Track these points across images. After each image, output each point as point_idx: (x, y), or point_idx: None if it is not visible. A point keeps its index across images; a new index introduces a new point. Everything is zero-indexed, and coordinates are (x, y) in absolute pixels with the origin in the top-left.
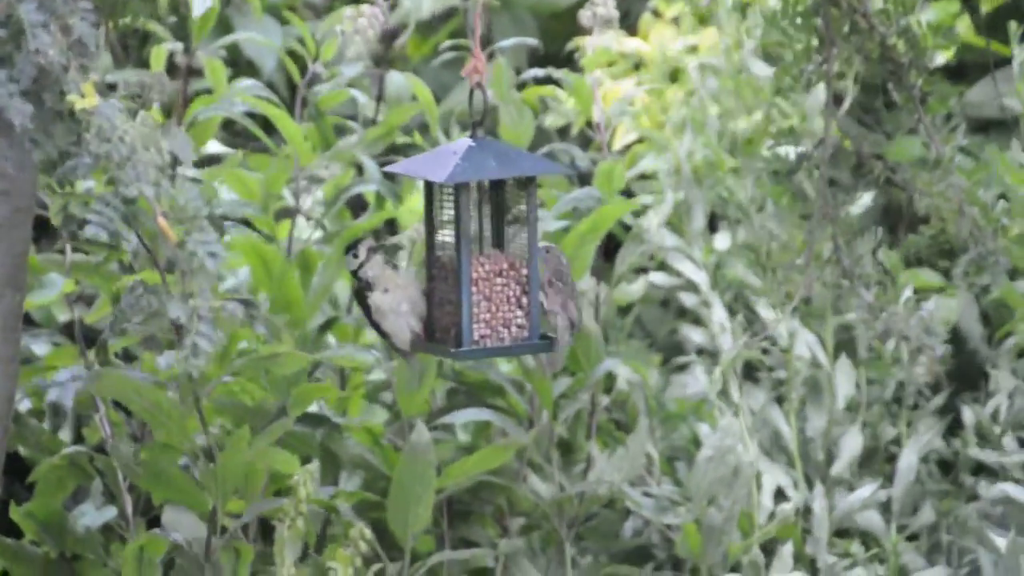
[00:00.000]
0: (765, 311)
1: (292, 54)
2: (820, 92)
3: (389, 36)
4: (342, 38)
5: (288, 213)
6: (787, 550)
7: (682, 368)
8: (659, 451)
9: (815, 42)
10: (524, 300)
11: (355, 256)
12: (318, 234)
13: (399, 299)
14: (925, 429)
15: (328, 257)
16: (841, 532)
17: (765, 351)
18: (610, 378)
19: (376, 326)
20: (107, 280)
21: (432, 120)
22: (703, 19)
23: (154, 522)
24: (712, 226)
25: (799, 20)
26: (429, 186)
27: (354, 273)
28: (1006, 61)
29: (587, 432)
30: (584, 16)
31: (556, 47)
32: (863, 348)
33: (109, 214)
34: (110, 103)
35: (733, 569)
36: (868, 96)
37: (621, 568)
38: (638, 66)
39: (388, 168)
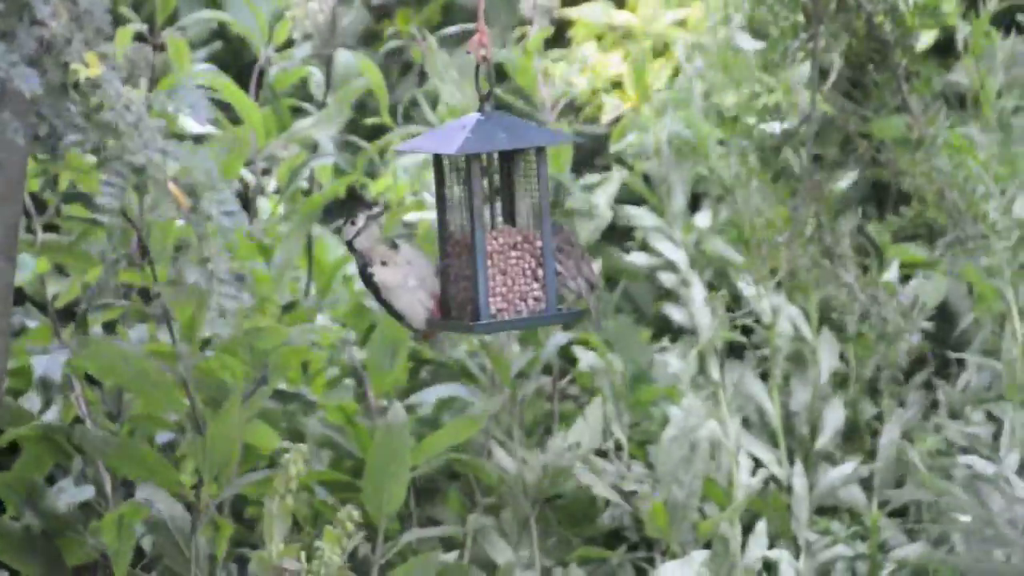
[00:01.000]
0: (747, 287)
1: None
2: (806, 68)
3: (380, 12)
4: (293, 22)
5: (247, 194)
6: (761, 527)
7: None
8: (628, 436)
9: (801, 19)
10: (540, 272)
11: (352, 223)
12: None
13: (405, 273)
14: (909, 405)
15: (286, 235)
16: (825, 509)
17: (748, 328)
18: (572, 358)
19: (388, 306)
20: (79, 259)
21: (381, 99)
22: None
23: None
24: (694, 205)
25: None
26: (439, 163)
27: (349, 244)
28: None
29: (551, 414)
30: (526, 7)
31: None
32: (850, 323)
33: (120, 183)
34: (113, 72)
35: (707, 546)
36: (856, 72)
37: (593, 550)
38: (625, 38)
39: (399, 147)
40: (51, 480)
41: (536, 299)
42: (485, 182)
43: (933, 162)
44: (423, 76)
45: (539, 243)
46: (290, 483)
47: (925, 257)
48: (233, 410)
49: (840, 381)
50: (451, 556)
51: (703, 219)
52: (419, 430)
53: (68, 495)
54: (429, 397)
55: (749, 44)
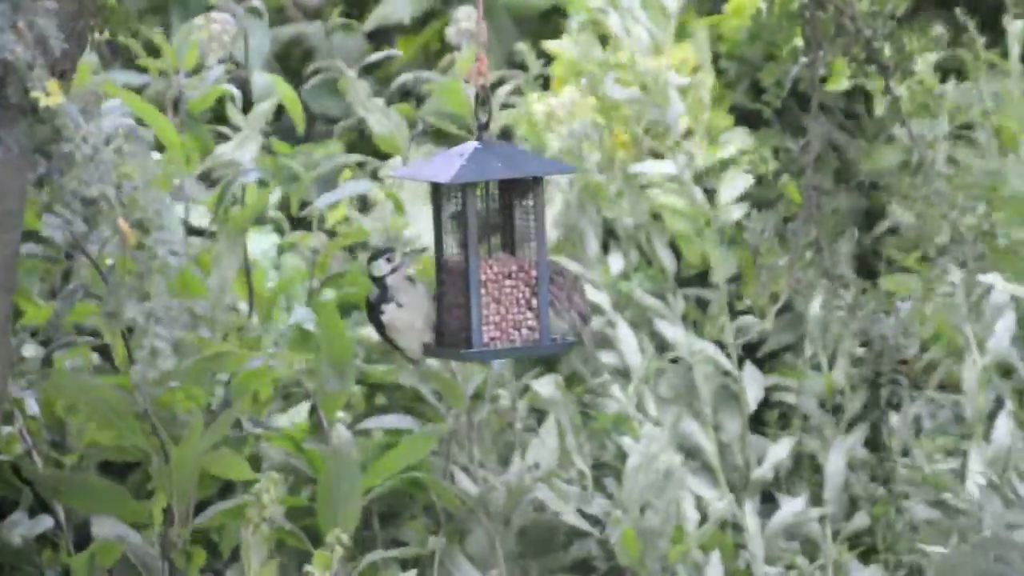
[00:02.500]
0: (666, 328)
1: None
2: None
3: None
4: (201, 45)
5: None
6: (715, 557)
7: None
8: (588, 467)
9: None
10: (534, 302)
11: (388, 260)
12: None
13: (414, 316)
14: (852, 433)
15: (217, 253)
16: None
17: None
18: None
19: (389, 340)
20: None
21: (296, 120)
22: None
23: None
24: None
25: (784, 22)
26: (436, 190)
27: (378, 280)
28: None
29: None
30: (450, 33)
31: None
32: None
33: (69, 215)
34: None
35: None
36: (851, 101)
37: None
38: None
39: (393, 173)
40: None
41: (530, 328)
42: (480, 211)
43: (933, 185)
44: (420, 101)
45: (534, 272)
46: (264, 511)
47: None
48: (196, 438)
49: (774, 415)
50: None
51: (615, 263)
52: (375, 453)
53: (23, 527)
54: (380, 424)
55: (620, 94)
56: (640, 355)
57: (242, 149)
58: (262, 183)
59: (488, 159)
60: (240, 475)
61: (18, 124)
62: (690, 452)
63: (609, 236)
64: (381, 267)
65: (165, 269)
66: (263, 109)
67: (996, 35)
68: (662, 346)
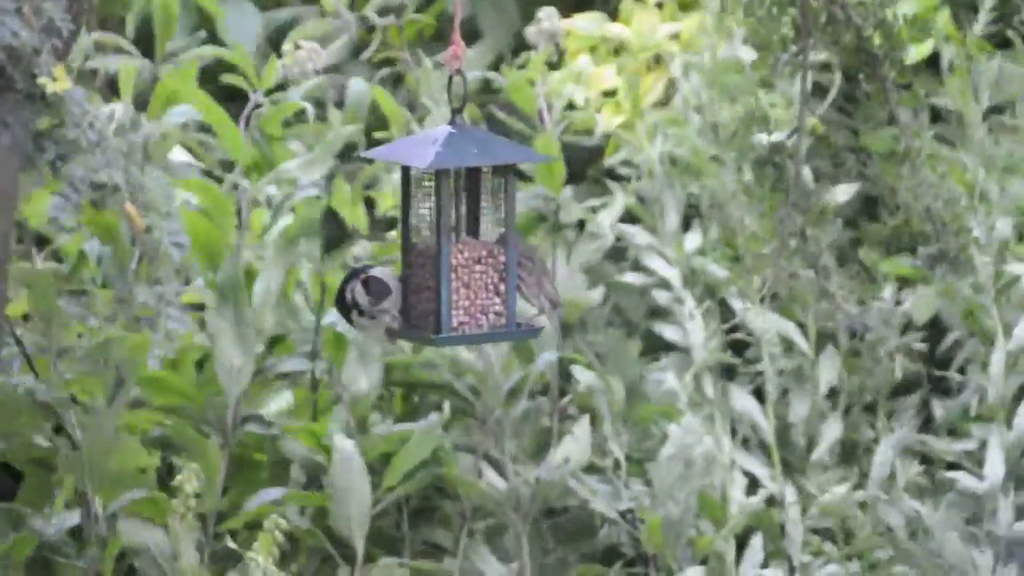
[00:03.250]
0: (739, 304)
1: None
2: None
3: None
4: (282, 72)
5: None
6: (757, 543)
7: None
8: (626, 453)
9: (791, 32)
10: (502, 287)
11: (366, 291)
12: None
13: (384, 317)
14: (903, 423)
15: (268, 265)
16: (819, 530)
17: (742, 344)
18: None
19: (355, 327)
20: None
21: (396, 124)
22: (685, 5)
23: None
24: (686, 224)
25: (775, 10)
26: (406, 173)
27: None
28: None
29: (550, 432)
30: (531, 32)
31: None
32: (841, 337)
33: (76, 199)
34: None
35: (703, 562)
36: (852, 86)
37: (592, 567)
38: (618, 50)
39: (366, 153)
40: None
41: (497, 313)
42: (452, 195)
43: (920, 175)
44: (396, 84)
45: (503, 258)
46: (188, 501)
47: (917, 271)
48: (105, 423)
49: (838, 396)
50: None
51: (693, 238)
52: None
53: None
54: (403, 428)
55: (749, 56)
56: (704, 333)
57: (309, 168)
58: (318, 198)
59: (463, 145)
60: (143, 463)
61: (24, 109)
62: (747, 432)
63: (693, 211)
64: (359, 296)
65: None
66: (339, 133)
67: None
68: (734, 327)
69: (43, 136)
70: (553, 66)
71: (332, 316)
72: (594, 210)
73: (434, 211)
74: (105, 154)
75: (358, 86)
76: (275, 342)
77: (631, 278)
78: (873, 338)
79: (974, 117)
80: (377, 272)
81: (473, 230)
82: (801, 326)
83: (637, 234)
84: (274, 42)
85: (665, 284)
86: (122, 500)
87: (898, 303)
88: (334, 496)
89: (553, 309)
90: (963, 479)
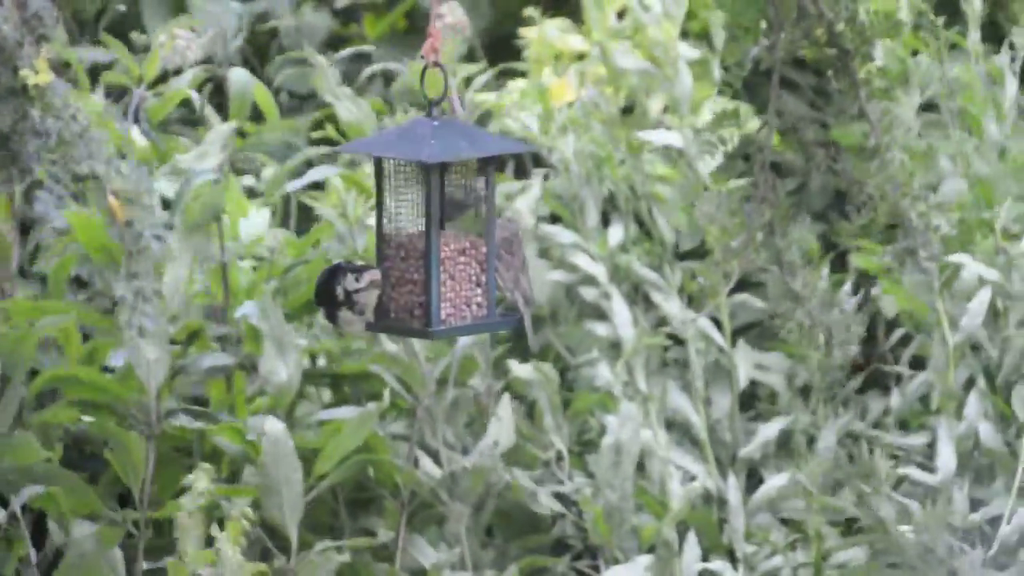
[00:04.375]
0: (664, 302)
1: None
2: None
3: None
4: (162, 60)
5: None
6: (692, 537)
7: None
8: (568, 447)
9: (763, 25)
10: (483, 278)
11: (357, 280)
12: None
13: (367, 310)
14: (843, 413)
15: (174, 255)
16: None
17: (674, 340)
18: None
19: (336, 325)
20: None
21: (271, 119)
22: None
23: None
24: (605, 220)
25: (747, 2)
26: (379, 166)
27: (343, 290)
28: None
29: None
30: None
31: (510, 28)
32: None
33: (60, 191)
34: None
35: (650, 550)
36: (822, 80)
37: (538, 559)
38: (582, 57)
39: (346, 147)
40: None
41: (479, 305)
42: (438, 188)
43: (888, 171)
44: (388, 80)
45: (484, 249)
46: (198, 498)
47: (883, 265)
48: None
49: (769, 390)
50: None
51: (615, 234)
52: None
53: None
54: (330, 416)
55: (632, 63)
56: (633, 328)
57: (202, 160)
58: (216, 183)
59: (452, 138)
60: (32, 458)
61: (7, 103)
62: (680, 427)
63: (610, 207)
64: (349, 282)
65: (150, 249)
66: (222, 132)
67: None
68: (660, 322)
69: (26, 129)
70: (521, 74)
71: (244, 309)
72: (511, 197)
73: (410, 204)
74: (88, 146)
75: (240, 77)
76: (194, 336)
77: (557, 276)
78: (837, 340)
79: (910, 113)
80: (358, 263)
81: (451, 222)
82: (717, 322)
83: (560, 232)
84: (247, 35)
85: (591, 280)
86: (21, 496)
87: (865, 299)
88: (265, 483)
89: (527, 306)
90: (915, 473)
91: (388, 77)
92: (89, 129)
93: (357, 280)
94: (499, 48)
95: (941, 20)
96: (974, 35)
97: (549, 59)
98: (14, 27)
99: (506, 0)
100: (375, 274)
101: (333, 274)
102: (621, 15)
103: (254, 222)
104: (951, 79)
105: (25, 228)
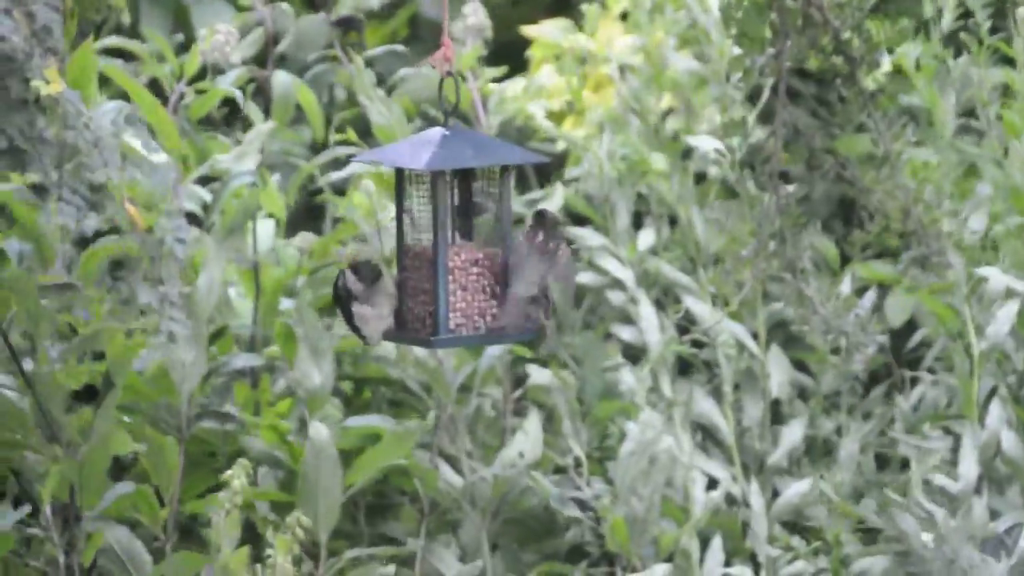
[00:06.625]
0: (695, 305)
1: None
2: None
3: (344, 24)
4: (202, 57)
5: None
6: (717, 543)
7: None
8: (586, 452)
9: (768, 34)
10: (498, 290)
11: (359, 278)
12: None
13: (382, 307)
14: (866, 420)
15: (209, 257)
16: (787, 524)
17: (698, 343)
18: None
19: (353, 326)
20: None
21: (314, 121)
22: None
23: None
24: (637, 224)
25: (753, 11)
26: (400, 175)
27: (346, 288)
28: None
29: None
30: (456, 28)
31: (510, 35)
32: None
33: (77, 202)
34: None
35: (668, 559)
36: (823, 89)
37: (555, 566)
38: (584, 60)
39: (359, 157)
40: None
41: (494, 316)
42: (448, 198)
43: (897, 179)
44: (390, 89)
45: (499, 261)
46: (235, 497)
47: (891, 275)
48: (102, 420)
49: (797, 396)
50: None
51: (646, 238)
52: (357, 447)
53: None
54: (359, 424)
55: (683, 64)
56: (660, 333)
57: (241, 161)
58: (254, 186)
59: (459, 146)
60: (123, 449)
61: (18, 115)
62: (705, 432)
63: (642, 210)
64: (352, 282)
65: (174, 254)
66: (260, 132)
67: (1002, 20)
68: (688, 327)
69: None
70: (521, 72)
71: (285, 305)
72: (533, 204)
73: (430, 214)
74: (103, 154)
75: (284, 80)
76: (217, 336)
77: (586, 279)
78: (851, 344)
79: (945, 116)
80: (363, 259)
81: (467, 233)
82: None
83: (588, 235)
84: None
85: (619, 284)
86: (111, 495)
87: (877, 308)
88: (304, 488)
89: (547, 319)
90: (938, 478)
91: (389, 88)
92: (102, 136)
93: (358, 277)
94: (499, 58)
95: (987, 24)
96: (1019, 43)
97: (551, 60)
98: (23, 39)
99: (505, 9)
100: (371, 263)
101: (340, 274)
102: (624, 17)
103: (262, 230)
104: (991, 85)
105: None
